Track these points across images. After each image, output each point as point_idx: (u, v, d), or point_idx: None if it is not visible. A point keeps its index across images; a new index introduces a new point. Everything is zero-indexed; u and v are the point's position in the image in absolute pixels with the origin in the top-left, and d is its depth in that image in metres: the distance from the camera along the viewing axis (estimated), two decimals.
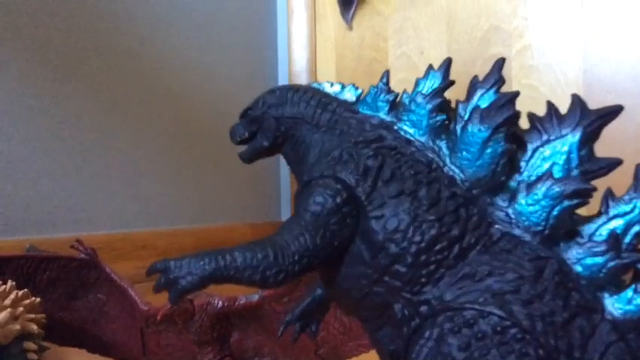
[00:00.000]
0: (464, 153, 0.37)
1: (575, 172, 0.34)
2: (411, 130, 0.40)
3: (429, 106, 0.39)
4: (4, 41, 1.12)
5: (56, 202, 1.20)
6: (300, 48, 1.88)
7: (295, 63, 1.87)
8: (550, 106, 0.36)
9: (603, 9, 1.52)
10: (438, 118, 0.39)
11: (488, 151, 0.36)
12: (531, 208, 0.35)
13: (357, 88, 0.45)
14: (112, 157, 1.32)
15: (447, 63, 0.41)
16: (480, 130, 0.36)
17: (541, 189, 0.35)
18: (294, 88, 0.47)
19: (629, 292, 0.33)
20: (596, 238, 0.34)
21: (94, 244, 0.63)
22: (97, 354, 0.64)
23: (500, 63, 0.38)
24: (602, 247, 0.34)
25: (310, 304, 0.50)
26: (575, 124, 0.35)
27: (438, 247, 0.35)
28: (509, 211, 0.36)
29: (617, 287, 0.33)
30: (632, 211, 0.34)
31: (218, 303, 0.55)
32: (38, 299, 0.58)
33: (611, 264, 0.33)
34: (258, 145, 0.48)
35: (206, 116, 1.60)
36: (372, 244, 0.36)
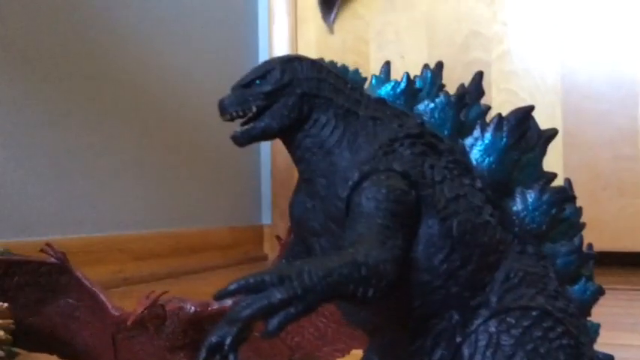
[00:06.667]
0: (486, 158, 0.38)
1: (540, 183, 0.39)
2: (437, 129, 0.39)
3: (456, 107, 0.39)
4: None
5: (31, 206, 1.18)
6: (281, 52, 1.88)
7: None
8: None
9: (581, 15, 1.54)
10: (462, 120, 0.39)
11: (508, 158, 0.38)
12: (534, 213, 0.38)
13: (361, 74, 0.39)
14: (89, 159, 1.31)
15: (439, 67, 0.41)
16: (502, 138, 0.38)
17: (540, 195, 0.38)
18: (318, 63, 0.38)
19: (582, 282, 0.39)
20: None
21: (70, 247, 0.62)
22: None
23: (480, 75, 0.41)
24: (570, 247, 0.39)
25: None
26: (537, 139, 0.39)
27: (491, 249, 0.36)
28: (516, 214, 0.38)
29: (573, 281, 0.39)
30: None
31: (190, 308, 0.54)
32: (6, 304, 0.57)
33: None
34: (265, 124, 0.38)
35: (185, 119, 1.59)
36: (439, 249, 0.34)
